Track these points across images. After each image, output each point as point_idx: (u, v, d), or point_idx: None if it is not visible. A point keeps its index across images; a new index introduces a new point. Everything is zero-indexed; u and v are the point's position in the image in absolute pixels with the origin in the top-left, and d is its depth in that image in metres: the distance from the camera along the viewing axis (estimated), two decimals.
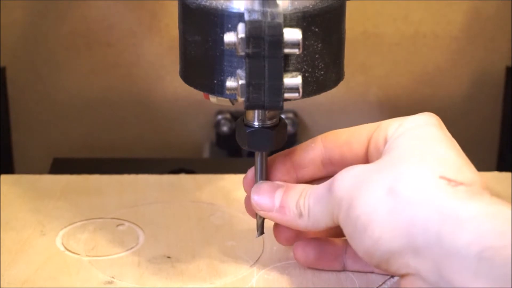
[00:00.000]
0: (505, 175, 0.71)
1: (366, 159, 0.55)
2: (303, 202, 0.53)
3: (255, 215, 0.58)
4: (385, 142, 0.53)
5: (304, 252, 0.57)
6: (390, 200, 0.48)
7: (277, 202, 0.55)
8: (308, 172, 0.57)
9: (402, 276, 0.49)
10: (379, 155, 0.53)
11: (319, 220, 0.53)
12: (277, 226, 0.58)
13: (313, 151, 0.56)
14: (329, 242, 0.58)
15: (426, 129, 0.52)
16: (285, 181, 0.56)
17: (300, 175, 0.57)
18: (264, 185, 0.56)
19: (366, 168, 0.51)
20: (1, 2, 0.81)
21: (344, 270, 0.58)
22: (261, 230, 0.59)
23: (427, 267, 0.46)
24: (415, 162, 0.49)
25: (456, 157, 0.50)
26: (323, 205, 0.52)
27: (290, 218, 0.54)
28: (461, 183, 0.48)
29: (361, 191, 0.49)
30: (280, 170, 0.57)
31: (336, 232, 0.56)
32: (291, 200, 0.54)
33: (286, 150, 0.57)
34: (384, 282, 0.57)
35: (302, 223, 0.54)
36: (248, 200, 0.57)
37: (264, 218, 0.58)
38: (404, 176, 0.48)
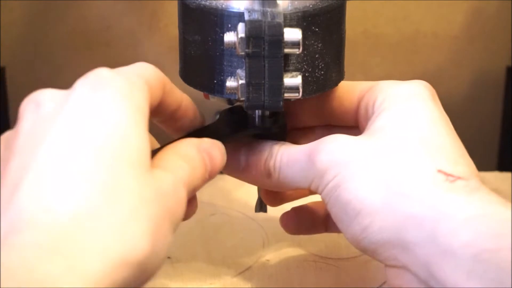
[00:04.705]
0: (505, 175, 0.71)
1: (355, 117, 0.54)
2: (272, 163, 0.52)
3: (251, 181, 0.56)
4: (373, 106, 0.52)
5: (297, 222, 0.57)
6: (384, 191, 0.47)
7: (242, 161, 0.53)
8: (302, 120, 0.56)
9: (389, 266, 0.48)
10: (367, 117, 0.52)
11: (290, 181, 0.52)
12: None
13: (311, 99, 0.55)
14: (315, 208, 0.57)
15: (420, 105, 0.51)
16: None
17: (294, 122, 0.56)
18: (228, 144, 0.53)
19: (355, 144, 0.49)
20: (1, 2, 0.81)
21: (326, 232, 0.57)
22: (260, 207, 0.58)
23: (417, 264, 0.46)
24: (411, 151, 0.48)
25: (452, 143, 0.49)
26: (298, 170, 0.51)
27: (257, 177, 0.53)
28: (458, 177, 0.47)
29: (352, 173, 0.48)
30: None
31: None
32: (258, 159, 0.52)
33: None
34: (384, 282, 0.57)
35: (271, 183, 0.52)
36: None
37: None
38: (401, 167, 0.48)
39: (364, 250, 0.49)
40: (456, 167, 0.48)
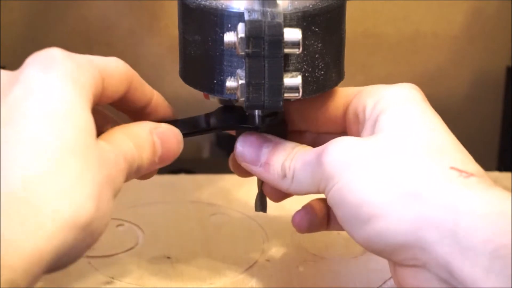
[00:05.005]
0: (505, 175, 0.71)
1: (341, 124, 0.54)
2: (288, 164, 0.52)
3: (242, 173, 0.56)
4: (364, 110, 0.51)
5: (308, 220, 0.56)
6: (397, 192, 0.46)
7: (263, 157, 0.53)
8: (292, 125, 0.56)
9: (406, 266, 0.47)
10: (358, 122, 0.52)
11: (302, 185, 0.51)
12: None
13: (297, 105, 0.54)
14: (317, 206, 0.57)
15: (416, 108, 0.50)
16: None
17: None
18: (252, 137, 0.54)
19: (359, 145, 0.49)
20: (1, 2, 0.81)
21: (327, 230, 0.57)
22: (260, 204, 0.57)
23: (436, 263, 0.45)
24: (419, 151, 0.48)
25: (455, 143, 0.49)
26: (308, 172, 0.50)
27: (273, 177, 0.52)
28: (471, 174, 0.47)
29: (360, 175, 0.48)
30: None
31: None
32: (277, 159, 0.52)
33: None
34: (384, 282, 0.57)
35: (285, 185, 0.52)
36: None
37: (263, 192, 0.57)
38: (411, 167, 0.47)
39: (378, 252, 0.48)
40: (465, 164, 0.47)
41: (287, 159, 0.52)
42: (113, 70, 0.48)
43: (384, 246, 0.47)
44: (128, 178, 0.47)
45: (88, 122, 0.44)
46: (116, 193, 0.45)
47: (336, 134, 0.53)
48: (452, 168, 0.47)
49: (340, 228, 0.55)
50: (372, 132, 0.50)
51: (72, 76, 0.44)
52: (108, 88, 0.48)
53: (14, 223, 0.39)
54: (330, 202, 0.49)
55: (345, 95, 0.54)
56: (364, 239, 0.48)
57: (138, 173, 0.49)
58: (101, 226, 0.43)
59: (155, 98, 0.53)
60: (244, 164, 0.54)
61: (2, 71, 0.46)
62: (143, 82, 0.51)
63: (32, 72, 0.44)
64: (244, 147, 0.54)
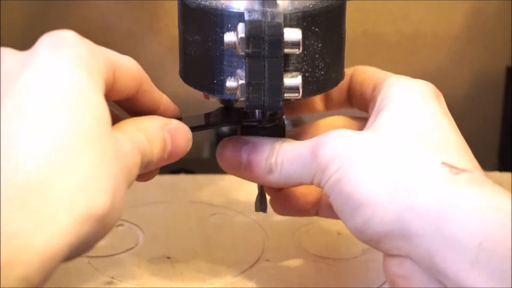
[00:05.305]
0: (505, 175, 0.71)
1: (372, 105, 0.55)
2: (274, 159, 0.52)
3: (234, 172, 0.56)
4: (377, 100, 0.52)
5: (285, 202, 0.56)
6: (387, 183, 0.47)
7: (244, 159, 0.53)
8: (335, 100, 0.57)
9: (391, 256, 0.48)
10: (373, 110, 0.53)
11: (292, 177, 0.51)
12: None
13: (344, 80, 0.55)
14: (306, 192, 0.57)
15: (423, 102, 0.51)
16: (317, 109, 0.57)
17: (328, 102, 0.57)
18: (230, 142, 0.54)
19: (358, 138, 0.50)
20: (1, 2, 0.81)
21: (317, 216, 0.57)
22: (260, 204, 0.57)
23: (420, 254, 0.46)
24: (415, 145, 0.48)
25: (456, 139, 0.49)
26: (301, 164, 0.51)
27: (258, 174, 0.53)
28: (463, 170, 0.47)
29: (356, 166, 0.48)
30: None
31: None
32: (260, 157, 0.52)
33: None
34: (384, 283, 0.57)
35: (272, 179, 0.52)
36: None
37: (263, 192, 0.57)
38: (404, 160, 0.48)
39: (366, 241, 0.49)
40: (459, 160, 0.48)
41: (270, 155, 0.52)
42: (124, 64, 0.48)
43: (371, 235, 0.48)
44: (139, 172, 0.47)
45: (103, 109, 0.43)
46: (129, 186, 0.45)
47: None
48: (443, 163, 0.47)
49: (329, 215, 0.56)
50: (374, 124, 0.51)
51: (84, 61, 0.43)
52: (118, 82, 0.47)
53: (28, 218, 0.38)
54: (326, 193, 0.50)
55: (376, 78, 0.55)
56: (354, 227, 0.49)
57: (147, 168, 0.48)
58: (114, 219, 0.42)
59: (164, 103, 0.52)
60: (228, 171, 0.54)
61: (13, 50, 0.45)
62: (154, 86, 0.51)
63: (42, 54, 0.43)
64: (223, 155, 0.54)
